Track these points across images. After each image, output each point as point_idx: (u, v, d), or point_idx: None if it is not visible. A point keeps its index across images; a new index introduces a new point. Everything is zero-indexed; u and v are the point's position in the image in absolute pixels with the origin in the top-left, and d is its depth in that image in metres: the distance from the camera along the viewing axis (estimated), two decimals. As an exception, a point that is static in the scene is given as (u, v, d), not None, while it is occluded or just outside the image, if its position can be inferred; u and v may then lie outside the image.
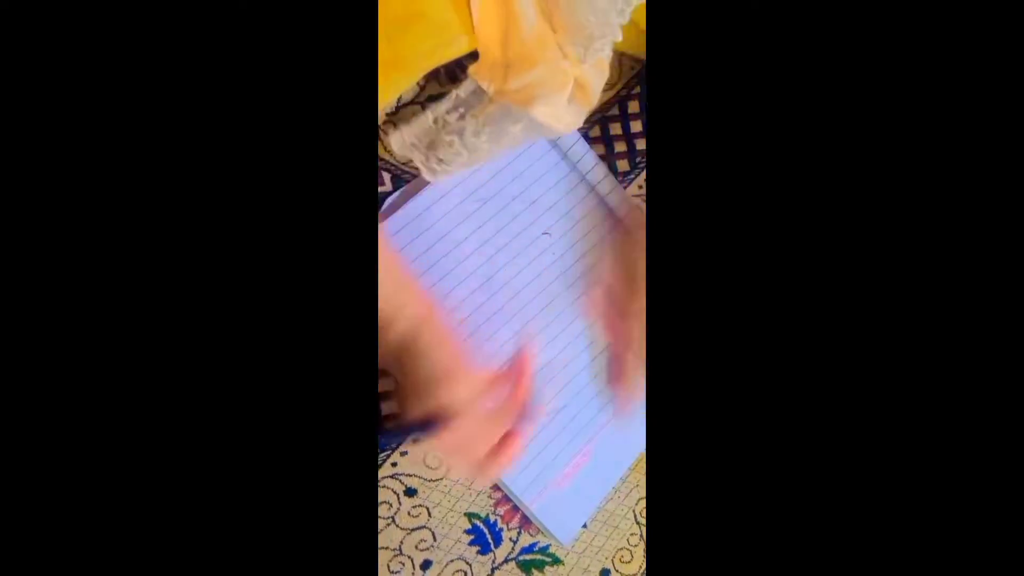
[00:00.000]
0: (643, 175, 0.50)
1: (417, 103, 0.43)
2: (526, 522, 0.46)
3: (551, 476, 0.45)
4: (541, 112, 0.38)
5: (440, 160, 0.41)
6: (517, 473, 0.44)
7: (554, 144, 0.47)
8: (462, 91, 0.41)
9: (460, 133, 0.40)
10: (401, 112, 0.45)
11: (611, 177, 0.47)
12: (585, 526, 0.47)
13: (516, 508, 0.46)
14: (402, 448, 0.44)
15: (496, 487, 0.46)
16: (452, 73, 0.43)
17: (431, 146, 0.41)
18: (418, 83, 0.40)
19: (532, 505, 0.44)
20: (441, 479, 0.44)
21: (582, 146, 0.46)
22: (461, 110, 0.41)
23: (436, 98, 0.44)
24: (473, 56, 0.39)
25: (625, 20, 0.37)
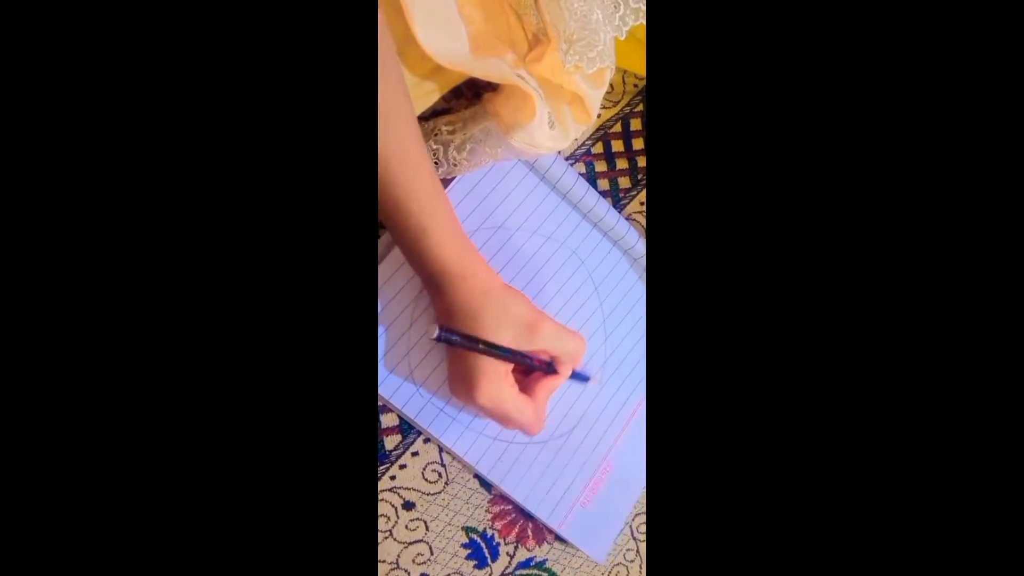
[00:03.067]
0: (644, 192, 0.50)
1: (423, 118, 0.43)
2: (523, 537, 0.46)
3: (574, 496, 0.46)
4: (518, 139, 0.39)
5: None
6: (541, 498, 0.45)
7: (536, 170, 0.47)
8: (468, 112, 0.42)
9: (446, 145, 0.41)
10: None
11: (592, 191, 0.47)
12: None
13: (514, 523, 0.46)
14: (400, 462, 0.44)
15: (496, 500, 0.46)
16: (476, 89, 0.44)
17: None
18: (443, 98, 0.41)
19: (560, 529, 0.45)
20: (439, 493, 0.44)
21: (560, 166, 0.46)
22: (457, 125, 0.42)
23: (442, 112, 0.44)
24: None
25: (622, 35, 0.37)
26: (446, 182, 0.44)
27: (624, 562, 0.48)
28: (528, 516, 0.46)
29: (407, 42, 0.33)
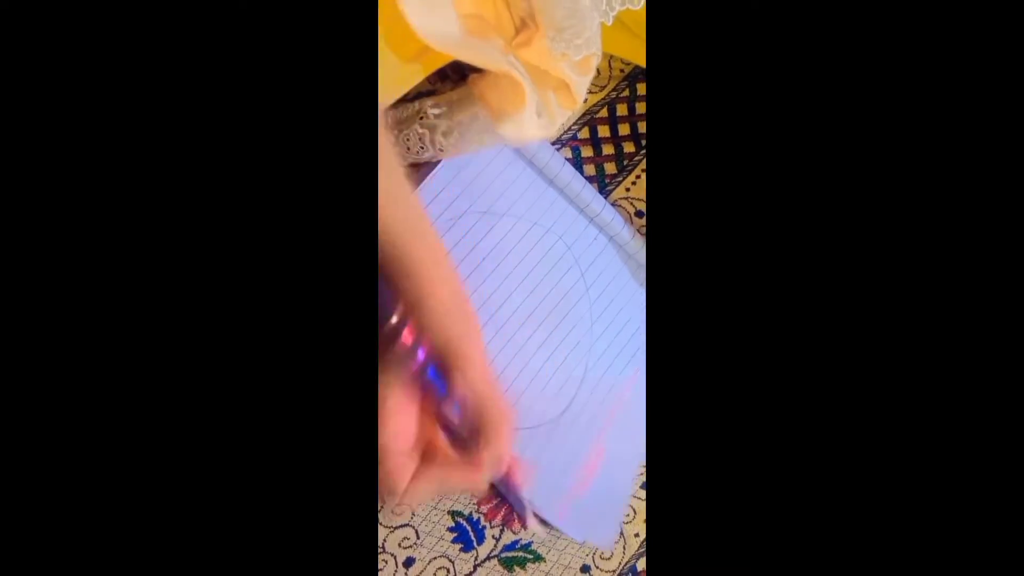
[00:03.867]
0: (630, 178, 0.50)
1: (407, 99, 0.43)
2: (509, 519, 0.46)
3: (567, 486, 0.45)
4: (506, 129, 0.39)
5: (408, 148, 0.42)
6: (533, 493, 0.44)
7: (523, 155, 0.47)
8: (455, 94, 0.41)
9: (432, 129, 0.41)
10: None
11: (578, 177, 0.47)
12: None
13: (499, 506, 0.46)
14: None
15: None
16: (461, 71, 0.44)
17: (405, 131, 0.42)
18: (428, 79, 0.41)
19: (558, 522, 0.45)
20: (425, 477, 0.45)
21: (546, 151, 0.46)
22: (444, 108, 0.42)
23: (426, 94, 0.44)
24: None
25: (608, 20, 0.37)
26: (431, 165, 0.44)
27: (608, 544, 0.49)
28: (514, 499, 0.46)
29: (394, 23, 0.33)
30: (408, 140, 0.42)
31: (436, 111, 0.41)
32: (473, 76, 0.43)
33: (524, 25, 0.40)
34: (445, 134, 0.40)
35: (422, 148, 0.42)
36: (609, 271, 0.49)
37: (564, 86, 0.40)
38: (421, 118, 0.42)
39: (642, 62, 0.47)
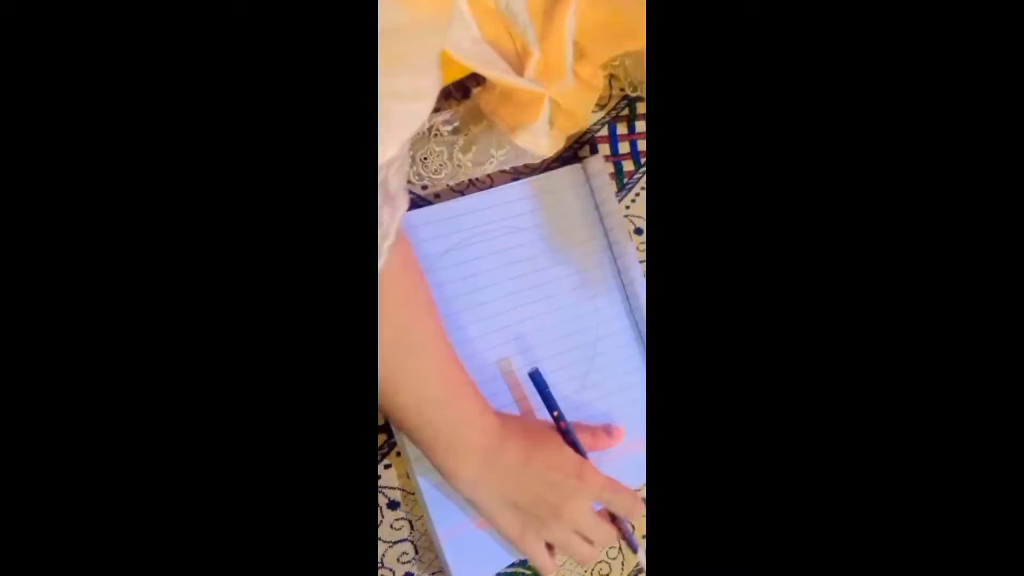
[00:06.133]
0: (629, 196, 0.51)
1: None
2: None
3: (472, 514, 0.43)
4: (523, 139, 0.40)
5: (425, 167, 0.42)
6: (442, 499, 0.43)
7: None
8: (462, 108, 0.42)
9: (449, 146, 0.41)
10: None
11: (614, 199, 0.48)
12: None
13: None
14: (385, 461, 0.44)
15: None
16: (463, 88, 0.44)
17: (420, 152, 0.42)
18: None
19: (444, 539, 0.43)
20: (424, 492, 0.44)
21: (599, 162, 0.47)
22: (456, 124, 0.42)
23: (435, 111, 0.44)
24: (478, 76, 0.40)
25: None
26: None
27: (607, 559, 0.48)
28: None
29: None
30: (425, 160, 0.42)
31: (449, 127, 0.41)
32: (477, 90, 0.43)
33: (527, 53, 0.41)
34: (463, 150, 0.40)
35: (441, 166, 0.42)
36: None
37: (566, 113, 0.41)
38: (435, 135, 0.42)
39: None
